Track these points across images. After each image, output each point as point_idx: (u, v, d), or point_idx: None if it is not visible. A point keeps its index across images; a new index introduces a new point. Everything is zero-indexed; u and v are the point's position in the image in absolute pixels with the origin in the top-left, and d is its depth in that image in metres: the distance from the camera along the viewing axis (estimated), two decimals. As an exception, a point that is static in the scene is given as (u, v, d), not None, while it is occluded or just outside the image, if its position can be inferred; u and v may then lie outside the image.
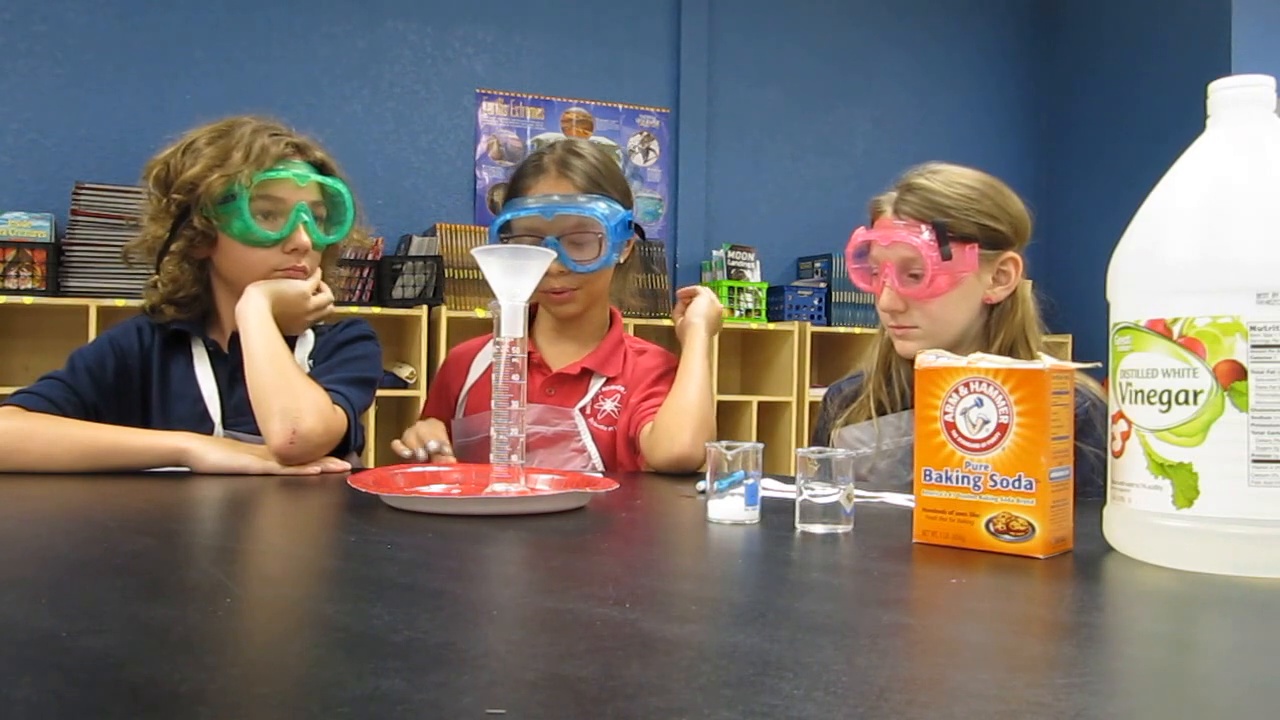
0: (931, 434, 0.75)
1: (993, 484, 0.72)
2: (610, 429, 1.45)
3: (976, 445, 0.73)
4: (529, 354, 1.47)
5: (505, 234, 1.44)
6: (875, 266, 1.34)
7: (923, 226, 1.26)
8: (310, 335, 1.41)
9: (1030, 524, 0.70)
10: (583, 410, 1.46)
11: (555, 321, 1.52)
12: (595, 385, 1.48)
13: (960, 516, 0.73)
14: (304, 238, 1.33)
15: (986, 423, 0.72)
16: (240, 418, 1.30)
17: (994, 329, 1.32)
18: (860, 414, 1.38)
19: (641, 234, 1.51)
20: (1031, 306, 1.35)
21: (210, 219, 1.30)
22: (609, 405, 1.47)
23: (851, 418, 1.38)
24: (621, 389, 1.48)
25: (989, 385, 0.72)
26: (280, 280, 1.32)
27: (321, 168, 1.38)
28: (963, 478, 0.73)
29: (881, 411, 1.36)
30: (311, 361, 1.38)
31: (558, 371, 1.48)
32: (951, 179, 1.29)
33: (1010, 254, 1.30)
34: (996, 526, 0.72)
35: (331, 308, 1.41)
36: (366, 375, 1.37)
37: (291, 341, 1.36)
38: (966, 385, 0.73)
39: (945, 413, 0.74)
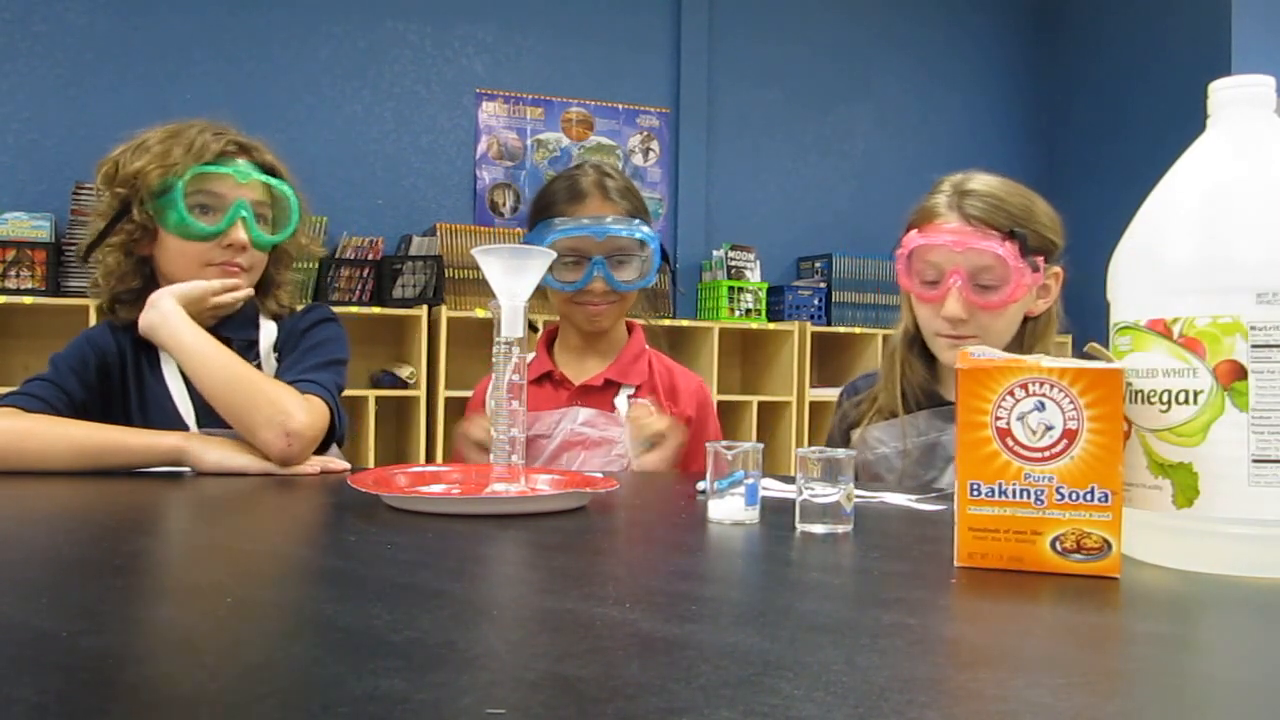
0: (979, 443, 0.65)
1: (1059, 498, 0.64)
2: None
3: (1038, 455, 0.64)
4: (550, 371, 1.51)
5: None
6: (934, 273, 1.27)
7: (999, 234, 1.21)
8: (272, 326, 1.40)
9: (1105, 541, 0.63)
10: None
11: (580, 339, 1.55)
12: (623, 396, 1.50)
13: (1019, 536, 0.64)
14: (241, 234, 1.32)
15: (1050, 429, 0.64)
16: (213, 415, 1.27)
17: (1028, 341, 1.29)
18: (878, 417, 1.37)
19: (668, 259, 1.55)
20: (1054, 317, 1.33)
21: (150, 212, 1.30)
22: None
23: (871, 419, 1.38)
24: (647, 403, 1.50)
25: (1053, 387, 0.64)
26: (178, 285, 1.30)
27: (271, 171, 1.38)
28: (1021, 491, 0.64)
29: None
30: (277, 354, 1.37)
31: (581, 384, 1.50)
32: (1007, 187, 1.25)
33: (1056, 268, 1.29)
34: (1065, 545, 0.64)
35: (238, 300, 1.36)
36: (335, 357, 1.36)
37: (255, 336, 1.36)
38: (1024, 387, 0.64)
39: (997, 418, 0.65)
